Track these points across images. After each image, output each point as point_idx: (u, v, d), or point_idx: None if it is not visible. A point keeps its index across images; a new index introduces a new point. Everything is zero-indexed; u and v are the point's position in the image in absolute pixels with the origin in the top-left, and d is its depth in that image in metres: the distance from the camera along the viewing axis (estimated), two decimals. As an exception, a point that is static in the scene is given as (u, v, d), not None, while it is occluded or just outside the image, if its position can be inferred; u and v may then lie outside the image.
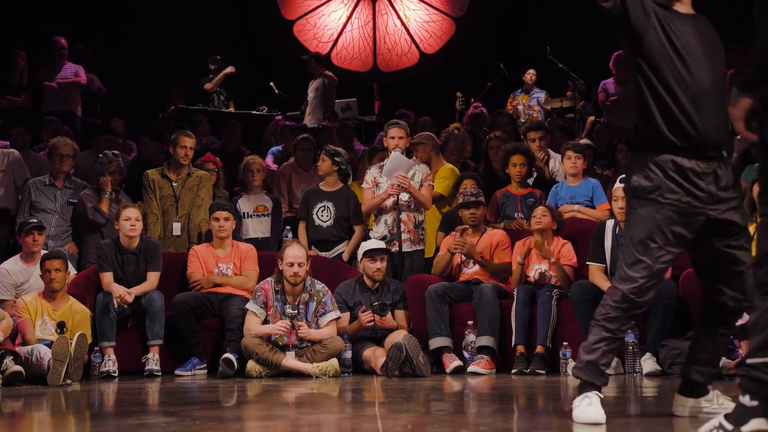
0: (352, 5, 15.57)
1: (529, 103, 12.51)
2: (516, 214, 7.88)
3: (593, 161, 8.90)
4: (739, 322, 6.13)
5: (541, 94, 12.48)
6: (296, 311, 6.83)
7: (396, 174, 7.59)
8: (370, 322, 6.97)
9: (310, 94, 12.42)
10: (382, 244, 7.31)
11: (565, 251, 7.14)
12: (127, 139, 11.08)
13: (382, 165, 7.92)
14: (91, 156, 9.50)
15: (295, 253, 6.85)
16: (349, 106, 12.47)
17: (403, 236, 7.68)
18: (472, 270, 7.32)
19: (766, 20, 3.37)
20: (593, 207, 7.79)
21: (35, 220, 7.55)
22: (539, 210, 7.23)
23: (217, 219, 7.53)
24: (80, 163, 8.94)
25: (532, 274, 7.17)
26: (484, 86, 12.86)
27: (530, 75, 12.55)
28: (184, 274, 7.58)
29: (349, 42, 15.41)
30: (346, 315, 7.13)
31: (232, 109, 12.65)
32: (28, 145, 9.64)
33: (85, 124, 11.56)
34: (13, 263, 7.47)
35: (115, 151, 8.52)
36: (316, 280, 7.00)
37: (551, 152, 8.81)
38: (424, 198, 7.78)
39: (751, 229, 6.83)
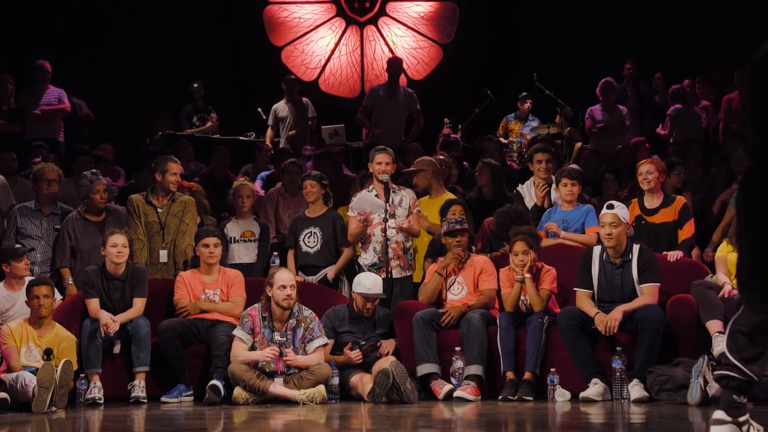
0: (340, 32, 15.62)
1: (522, 131, 12.55)
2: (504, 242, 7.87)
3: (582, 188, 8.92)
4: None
5: (534, 123, 12.52)
6: (285, 338, 6.81)
7: (365, 214, 7.67)
8: (359, 359, 6.94)
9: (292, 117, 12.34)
10: (379, 289, 7.22)
11: (547, 276, 7.12)
12: (114, 165, 11.05)
13: (369, 191, 7.93)
14: (71, 182, 9.44)
15: (285, 277, 6.89)
16: (336, 132, 12.46)
17: (393, 262, 7.66)
18: (458, 297, 7.31)
19: None
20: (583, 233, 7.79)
21: (19, 246, 7.52)
22: (520, 257, 7.05)
23: (207, 245, 7.50)
24: (62, 190, 8.84)
25: (522, 300, 7.14)
26: (471, 113, 12.91)
27: (525, 104, 12.59)
28: (170, 301, 7.54)
29: (336, 68, 15.45)
30: (330, 342, 7.11)
31: (211, 122, 12.59)
32: (15, 171, 9.61)
33: (69, 150, 11.50)
34: (-3, 290, 7.42)
35: (93, 170, 8.44)
36: (303, 306, 6.99)
37: None
38: (414, 229, 7.78)
39: (736, 256, 6.87)
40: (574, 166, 9.69)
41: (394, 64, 11.94)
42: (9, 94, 11.55)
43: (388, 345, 7.18)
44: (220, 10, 14.45)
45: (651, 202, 7.70)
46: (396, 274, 7.72)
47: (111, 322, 6.98)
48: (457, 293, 7.32)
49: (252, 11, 15.20)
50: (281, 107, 12.35)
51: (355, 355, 6.95)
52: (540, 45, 13.93)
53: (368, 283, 7.22)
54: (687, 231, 7.59)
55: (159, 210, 8.10)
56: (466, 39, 15.16)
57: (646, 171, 7.69)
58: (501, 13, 14.64)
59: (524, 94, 12.62)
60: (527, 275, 6.97)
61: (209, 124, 12.60)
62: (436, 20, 15.59)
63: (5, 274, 7.43)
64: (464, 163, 10.97)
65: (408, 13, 15.64)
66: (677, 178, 8.89)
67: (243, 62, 14.49)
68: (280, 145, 12.06)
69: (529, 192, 8.54)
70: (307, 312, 6.97)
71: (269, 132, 12.44)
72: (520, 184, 8.96)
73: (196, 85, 12.71)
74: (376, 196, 7.79)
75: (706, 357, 6.08)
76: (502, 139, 12.16)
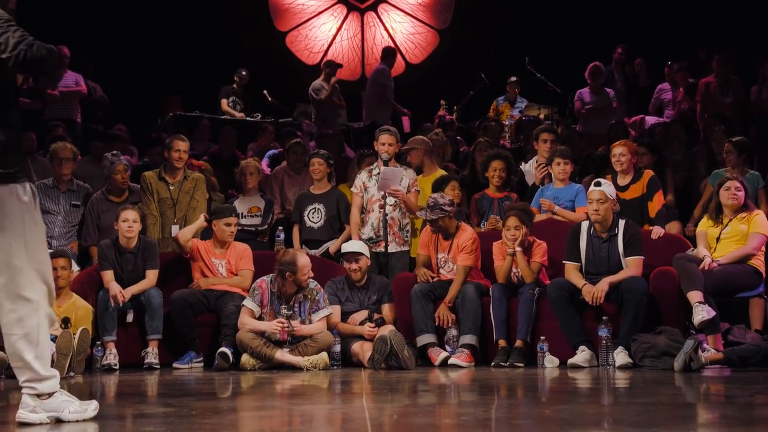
0: (342, 18, 15.58)
1: (512, 113, 12.55)
2: (492, 215, 7.88)
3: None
4: (705, 318, 6.23)
5: (522, 104, 12.53)
6: (291, 312, 6.83)
7: (389, 190, 7.58)
8: (372, 334, 6.91)
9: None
10: (357, 246, 7.31)
11: (538, 250, 7.13)
12: (129, 144, 11.06)
13: (371, 169, 7.95)
14: (89, 162, 9.48)
15: (308, 262, 6.90)
16: (338, 114, 12.51)
17: (389, 238, 7.69)
18: (449, 274, 7.29)
19: None
20: (574, 210, 7.79)
21: None
22: (512, 231, 7.01)
23: (229, 225, 7.52)
24: (79, 169, 8.87)
25: (514, 272, 7.15)
26: (466, 95, 12.91)
27: (516, 88, 12.59)
28: (181, 272, 7.57)
29: (338, 52, 15.40)
30: (337, 308, 7.15)
31: (257, 118, 12.52)
32: (34, 149, 9.62)
33: (86, 130, 11.53)
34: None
35: (114, 152, 8.49)
36: (309, 279, 7.01)
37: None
38: (413, 205, 7.79)
39: (716, 230, 6.90)
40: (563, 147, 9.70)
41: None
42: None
43: (385, 311, 7.19)
44: (228, 1, 14.40)
45: (623, 180, 7.69)
46: (392, 248, 7.73)
47: (119, 295, 7.01)
48: (448, 271, 7.31)
49: (258, 2, 15.16)
50: (318, 85, 12.30)
51: (367, 330, 6.95)
52: (531, 31, 13.91)
53: (347, 245, 7.32)
54: (657, 202, 7.55)
55: (171, 187, 8.11)
56: (462, 25, 15.13)
57: (619, 153, 7.67)
58: (495, 1, 14.61)
59: (513, 78, 12.62)
60: (518, 249, 6.98)
61: (239, 116, 12.53)
62: (433, 7, 15.55)
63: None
64: (459, 139, 10.98)
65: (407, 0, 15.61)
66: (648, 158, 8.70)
67: (249, 46, 14.46)
68: (313, 118, 12.10)
69: (531, 169, 8.55)
70: (313, 284, 6.99)
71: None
72: (522, 162, 8.98)
73: (244, 73, 12.63)
74: (378, 173, 7.77)
75: (699, 340, 6.10)
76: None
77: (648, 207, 7.57)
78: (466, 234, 7.24)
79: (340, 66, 12.83)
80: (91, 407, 3.95)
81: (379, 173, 7.77)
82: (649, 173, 7.70)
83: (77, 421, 3.86)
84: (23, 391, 3.82)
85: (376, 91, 12.16)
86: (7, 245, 3.76)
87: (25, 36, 3.67)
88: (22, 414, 3.81)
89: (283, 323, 6.75)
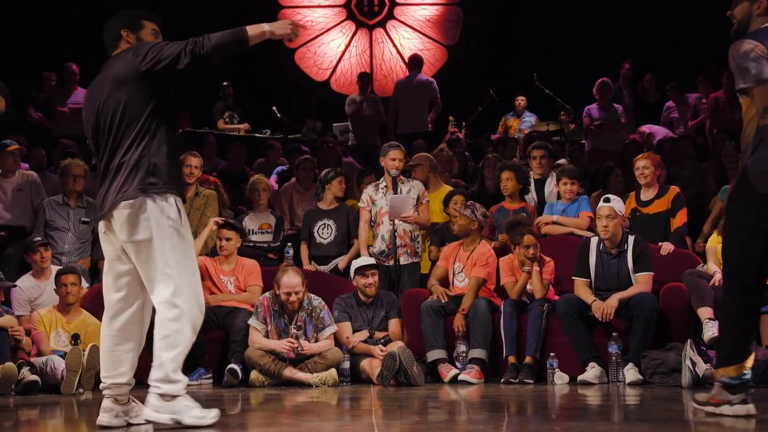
0: (350, 34, 15.63)
1: (520, 127, 12.56)
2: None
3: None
4: (716, 335, 6.20)
5: (531, 118, 12.55)
6: (300, 331, 6.81)
7: (400, 217, 7.59)
8: (381, 355, 6.84)
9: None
10: (371, 260, 7.32)
11: (546, 267, 7.14)
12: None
13: (377, 183, 7.97)
14: (98, 177, 9.46)
15: (291, 282, 6.79)
16: (348, 129, 12.54)
17: (400, 250, 7.67)
18: (462, 285, 7.32)
19: None
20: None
21: (39, 238, 7.57)
22: (531, 249, 7.04)
23: (220, 238, 7.54)
24: (89, 185, 8.89)
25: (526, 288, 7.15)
26: (474, 110, 12.91)
27: (519, 101, 12.63)
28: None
29: (347, 69, 15.45)
30: (348, 325, 7.13)
31: (244, 131, 12.56)
32: (45, 166, 9.65)
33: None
34: (26, 280, 7.48)
35: None
36: (312, 296, 6.98)
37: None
38: (424, 220, 7.82)
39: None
40: (564, 160, 9.72)
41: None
42: (48, 90, 11.67)
43: (393, 326, 7.18)
44: (236, 14, 14.44)
45: (647, 194, 7.70)
46: (403, 261, 7.73)
47: None
48: (461, 281, 7.34)
49: (267, 14, 15.21)
50: (354, 100, 12.34)
51: (380, 352, 6.84)
52: (539, 47, 13.91)
53: (361, 260, 7.33)
54: (679, 219, 7.57)
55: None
56: (470, 41, 15.16)
57: (643, 166, 7.67)
58: (504, 17, 14.64)
59: (519, 94, 12.64)
60: (536, 268, 7.00)
61: (242, 127, 12.56)
62: (441, 23, 15.59)
63: (31, 266, 7.52)
64: (467, 155, 10.99)
65: (415, 16, 15.64)
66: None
67: (259, 63, 14.49)
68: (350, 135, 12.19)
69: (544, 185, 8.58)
70: (317, 301, 6.97)
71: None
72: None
73: (225, 83, 12.67)
74: (385, 186, 7.81)
75: (689, 341, 6.09)
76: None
77: (670, 223, 7.56)
78: (484, 249, 7.30)
79: (370, 77, 12.92)
80: (211, 414, 4.07)
81: (385, 186, 7.80)
82: (675, 189, 7.71)
83: (197, 426, 4.00)
84: (150, 389, 4.04)
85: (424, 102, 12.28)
86: (158, 255, 3.96)
87: (180, 43, 4.10)
88: (149, 413, 4.04)
89: (292, 342, 6.73)
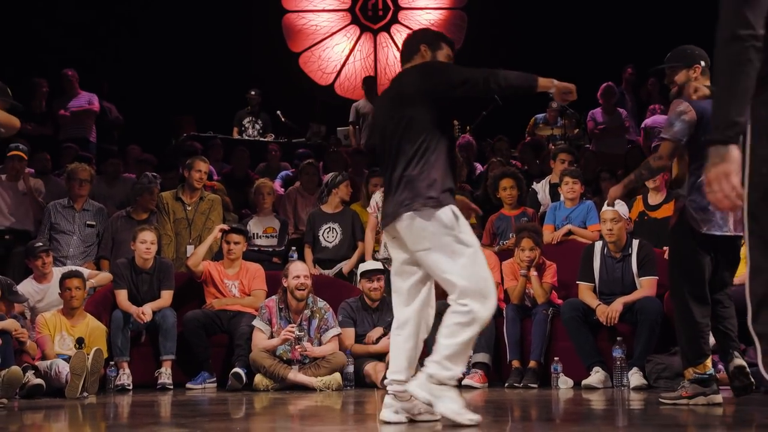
0: (355, 38, 15.64)
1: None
2: (511, 234, 7.86)
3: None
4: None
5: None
6: (303, 332, 6.82)
7: None
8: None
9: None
10: (378, 265, 7.32)
11: (549, 271, 7.13)
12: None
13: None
14: (103, 181, 9.50)
15: (300, 267, 6.97)
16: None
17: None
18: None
19: None
20: (586, 228, 7.79)
21: (41, 243, 7.56)
22: (527, 253, 7.07)
23: (228, 242, 7.54)
24: (93, 188, 8.90)
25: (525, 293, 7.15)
26: (478, 115, 12.89)
27: (555, 112, 12.44)
28: (195, 293, 7.57)
29: (351, 73, 15.46)
30: (351, 331, 7.12)
31: (270, 138, 12.51)
32: (49, 170, 9.66)
33: (100, 150, 11.56)
34: (28, 284, 7.47)
35: (154, 173, 8.58)
36: (318, 298, 7.01)
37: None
38: None
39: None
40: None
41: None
42: (41, 97, 11.65)
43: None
44: (241, 18, 14.47)
45: (655, 198, 7.68)
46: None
47: (142, 314, 7.03)
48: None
49: (271, 19, 15.23)
50: (362, 105, 12.32)
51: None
52: (543, 52, 13.90)
53: (367, 264, 7.34)
54: None
55: (188, 207, 8.15)
56: (474, 45, 15.15)
57: None
58: (507, 21, 14.64)
59: (554, 105, 12.44)
60: (534, 273, 6.98)
61: (269, 137, 12.52)
62: (445, 28, 15.55)
63: (33, 270, 7.52)
64: (475, 163, 10.97)
65: (419, 20, 15.64)
66: None
67: (262, 67, 14.51)
68: (362, 140, 12.10)
69: (543, 189, 8.54)
70: (321, 303, 6.99)
71: (351, 129, 12.40)
72: (534, 182, 8.97)
73: (253, 93, 12.65)
74: None
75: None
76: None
77: None
78: (487, 253, 7.27)
79: (374, 81, 12.87)
80: (469, 416, 4.05)
81: None
82: None
83: (450, 419, 4.02)
84: (423, 369, 4.07)
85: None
86: (440, 263, 4.09)
87: (476, 70, 4.27)
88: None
89: (292, 332, 6.73)
